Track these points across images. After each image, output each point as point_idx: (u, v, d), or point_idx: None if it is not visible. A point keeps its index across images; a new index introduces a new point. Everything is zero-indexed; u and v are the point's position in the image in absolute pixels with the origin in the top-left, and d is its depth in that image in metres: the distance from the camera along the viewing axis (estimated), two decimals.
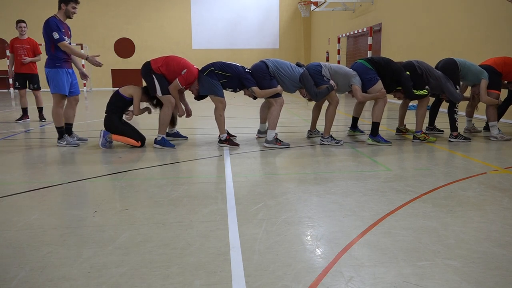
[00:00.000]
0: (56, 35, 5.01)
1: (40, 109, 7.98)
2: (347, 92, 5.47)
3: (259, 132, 5.84)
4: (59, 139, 5.33)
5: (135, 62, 19.39)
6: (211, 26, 20.53)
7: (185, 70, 5.04)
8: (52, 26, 5.00)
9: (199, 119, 7.68)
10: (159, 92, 5.08)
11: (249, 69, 5.24)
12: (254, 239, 2.36)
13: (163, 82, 5.08)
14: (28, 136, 6.30)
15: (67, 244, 2.32)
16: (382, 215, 2.71)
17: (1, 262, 2.11)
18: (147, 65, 5.13)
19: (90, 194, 3.38)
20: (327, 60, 18.17)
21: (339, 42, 15.73)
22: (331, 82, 5.15)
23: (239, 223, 2.59)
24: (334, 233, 2.45)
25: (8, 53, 14.98)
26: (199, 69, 5.22)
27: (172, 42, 20.10)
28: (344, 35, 15.42)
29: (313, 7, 14.99)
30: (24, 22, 7.87)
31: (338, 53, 15.70)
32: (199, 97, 5.39)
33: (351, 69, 5.36)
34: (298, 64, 5.37)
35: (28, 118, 7.90)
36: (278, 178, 3.75)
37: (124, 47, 20.09)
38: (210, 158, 4.62)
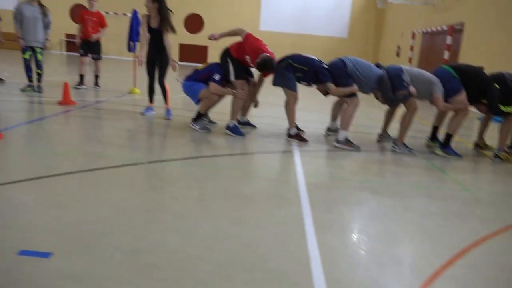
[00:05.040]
0: None
1: (97, 77, 8.47)
2: (427, 101, 5.21)
3: (329, 129, 5.75)
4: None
5: (203, 38, 19.69)
6: (281, 9, 20.34)
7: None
8: None
9: (268, 107, 7.66)
10: (232, 77, 5.14)
11: (326, 64, 5.14)
12: (333, 251, 2.33)
13: (237, 66, 5.12)
14: (107, 106, 6.61)
15: (152, 229, 2.43)
16: (466, 245, 2.58)
17: (96, 241, 2.24)
18: (226, 49, 5.22)
19: (166, 177, 3.51)
20: (397, 55, 17.44)
21: (413, 37, 15.00)
22: (411, 88, 4.93)
23: (316, 231, 2.57)
24: (415, 259, 2.37)
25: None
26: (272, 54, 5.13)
27: (240, 21, 20.06)
28: (420, 30, 14.65)
29: None
30: None
31: (411, 50, 15.01)
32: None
33: (433, 76, 5.08)
34: (378, 65, 5.19)
35: (84, 85, 8.30)
36: (351, 185, 3.67)
37: (194, 23, 20.45)
38: (279, 153, 4.62)
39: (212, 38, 5.35)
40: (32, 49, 7.24)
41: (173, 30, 5.73)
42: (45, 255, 2.06)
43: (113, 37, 15.03)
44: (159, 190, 3.14)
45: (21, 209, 2.56)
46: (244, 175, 3.69)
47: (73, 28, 19.91)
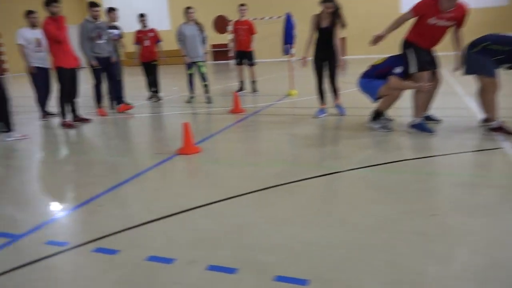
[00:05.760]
0: None
1: (253, 82, 8.89)
2: None
3: None
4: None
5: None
6: None
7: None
8: None
9: (446, 96, 6.86)
10: (414, 68, 4.59)
11: None
12: None
13: (420, 56, 4.55)
14: (274, 111, 6.71)
15: (402, 254, 2.15)
16: None
17: (346, 268, 2.08)
18: (404, 41, 4.74)
19: (375, 187, 3.25)
20: None
21: None
22: None
23: None
24: None
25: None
26: None
27: (379, 5, 18.89)
28: None
29: None
30: (245, 5, 8.87)
31: None
32: None
33: None
34: None
35: (244, 89, 8.93)
36: None
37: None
38: (487, 150, 3.98)
39: (377, 39, 4.75)
40: (195, 64, 7.80)
41: (344, 25, 5.57)
42: (302, 282, 1.97)
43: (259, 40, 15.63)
44: (379, 203, 2.87)
45: (252, 227, 2.57)
46: (464, 182, 3.20)
47: (217, 39, 21.41)
